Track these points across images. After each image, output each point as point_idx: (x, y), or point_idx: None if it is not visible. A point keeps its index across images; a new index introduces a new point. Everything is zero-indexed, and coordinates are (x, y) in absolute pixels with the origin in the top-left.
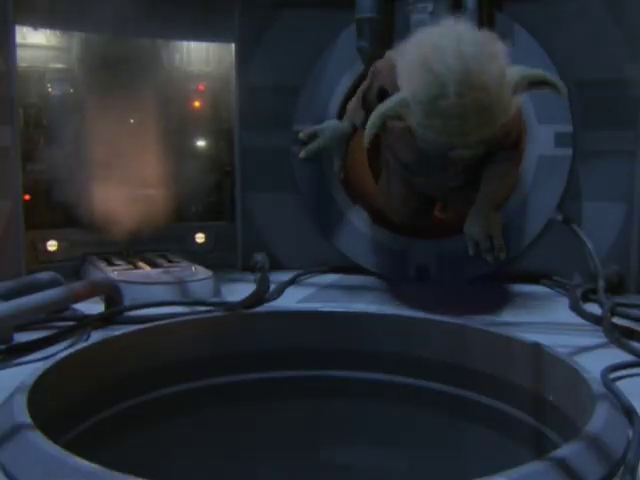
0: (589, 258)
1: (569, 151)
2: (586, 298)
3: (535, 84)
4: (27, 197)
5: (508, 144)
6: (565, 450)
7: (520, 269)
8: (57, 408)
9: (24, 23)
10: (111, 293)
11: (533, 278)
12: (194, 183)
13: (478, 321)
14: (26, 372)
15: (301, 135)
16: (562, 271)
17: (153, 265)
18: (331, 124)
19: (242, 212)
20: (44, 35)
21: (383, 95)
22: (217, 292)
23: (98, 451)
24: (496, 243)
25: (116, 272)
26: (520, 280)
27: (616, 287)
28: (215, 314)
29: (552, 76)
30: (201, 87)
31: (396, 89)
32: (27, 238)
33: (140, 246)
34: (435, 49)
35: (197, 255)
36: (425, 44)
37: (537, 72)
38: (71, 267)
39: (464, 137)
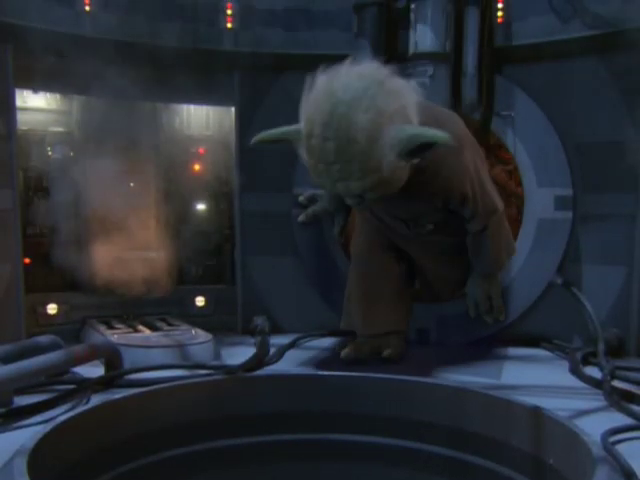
0: (589, 321)
1: (569, 214)
2: (586, 361)
3: (426, 144)
4: (27, 260)
5: (454, 205)
6: None
7: (520, 332)
8: (57, 471)
9: (24, 86)
10: (111, 356)
11: (533, 341)
12: (194, 246)
13: (478, 384)
14: (26, 435)
15: (301, 199)
16: (562, 334)
17: (153, 328)
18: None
19: (242, 275)
20: (44, 98)
21: None
22: (217, 355)
23: None
24: (495, 304)
25: (116, 335)
26: (520, 343)
27: (616, 350)
28: (215, 377)
29: (438, 132)
30: (201, 150)
31: None
32: (27, 301)
33: (140, 309)
34: (318, 89)
35: (197, 318)
36: (322, 83)
37: (426, 133)
38: (71, 330)
39: (336, 182)
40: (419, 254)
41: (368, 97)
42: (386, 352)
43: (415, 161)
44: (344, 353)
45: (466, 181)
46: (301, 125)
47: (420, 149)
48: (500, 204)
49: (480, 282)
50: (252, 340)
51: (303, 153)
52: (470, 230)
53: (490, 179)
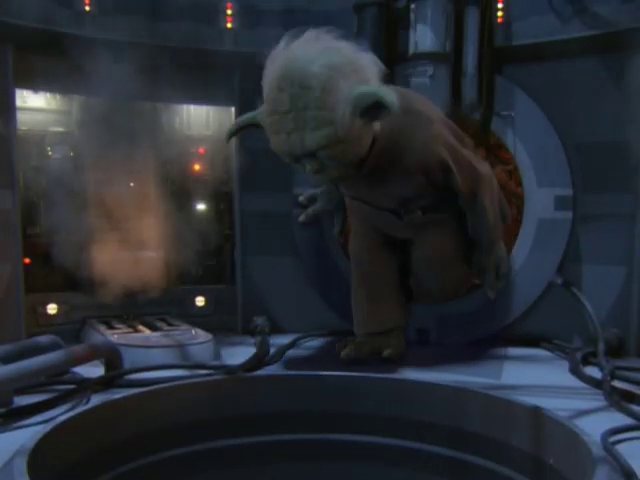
0: (589, 321)
1: (569, 214)
2: (586, 361)
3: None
4: (27, 261)
5: (437, 178)
6: None
7: (520, 332)
8: (57, 471)
9: (24, 86)
10: (111, 356)
11: (533, 341)
12: (194, 246)
13: (478, 384)
14: (26, 435)
15: (301, 199)
16: (562, 334)
17: (153, 328)
18: (330, 188)
19: (242, 275)
20: (44, 98)
21: None
22: (217, 355)
23: None
24: (501, 272)
25: (116, 335)
26: (520, 343)
27: (616, 350)
28: (215, 377)
29: (387, 94)
30: (201, 150)
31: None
32: (27, 301)
33: (140, 309)
34: (278, 54)
35: (197, 318)
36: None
37: (378, 92)
38: (71, 330)
39: (291, 135)
40: (417, 249)
41: (325, 55)
42: (386, 352)
43: (376, 128)
44: (344, 353)
45: (441, 148)
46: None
47: (374, 112)
48: (485, 170)
49: (486, 254)
50: (252, 340)
51: (266, 125)
52: (463, 205)
53: (471, 153)
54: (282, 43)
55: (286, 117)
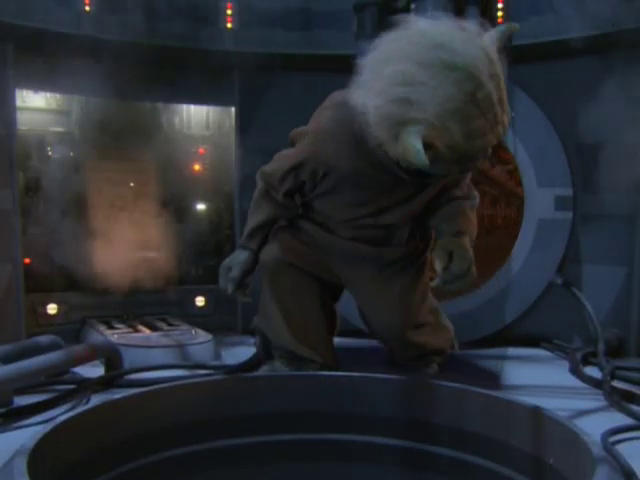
0: (589, 321)
1: (569, 214)
2: (586, 361)
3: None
4: (27, 260)
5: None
6: None
7: (520, 332)
8: (57, 472)
9: (24, 86)
10: (111, 356)
11: (533, 341)
12: (194, 246)
13: (478, 384)
14: (26, 435)
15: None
16: (562, 334)
17: (153, 328)
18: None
19: None
20: (44, 98)
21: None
22: (217, 355)
23: None
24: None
25: (116, 335)
26: (520, 343)
27: (616, 350)
28: (215, 377)
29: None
30: (201, 150)
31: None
32: (27, 301)
33: (140, 309)
34: (433, 43)
35: (197, 318)
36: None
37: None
38: (71, 330)
39: (495, 128)
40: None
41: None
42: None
43: None
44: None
45: None
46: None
47: None
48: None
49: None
50: (252, 340)
51: (446, 135)
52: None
53: None
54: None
55: (494, 110)
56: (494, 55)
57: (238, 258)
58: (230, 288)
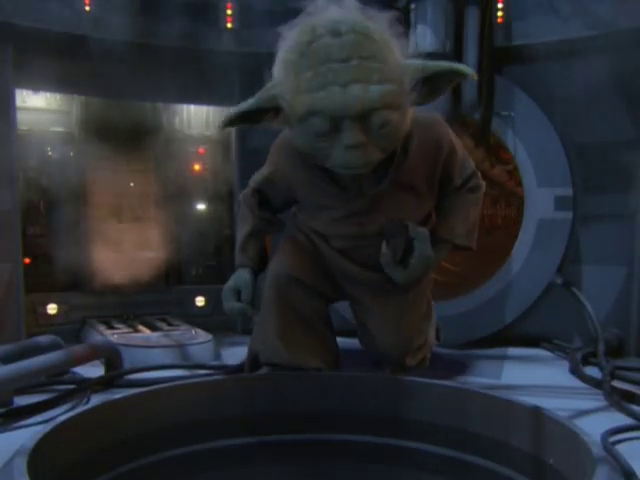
0: (589, 321)
1: (569, 214)
2: (586, 361)
3: (441, 77)
4: (27, 260)
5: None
6: None
7: (520, 332)
8: (57, 472)
9: (24, 86)
10: (111, 356)
11: (533, 341)
12: (194, 246)
13: (478, 384)
14: (26, 435)
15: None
16: (562, 334)
17: (153, 328)
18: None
19: None
20: (44, 98)
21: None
22: (217, 355)
23: None
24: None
25: (116, 335)
26: (520, 343)
27: (616, 350)
28: (215, 377)
29: (455, 64)
30: (201, 150)
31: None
32: (27, 301)
33: (140, 309)
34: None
35: (197, 318)
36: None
37: (441, 63)
38: (71, 330)
39: (350, 85)
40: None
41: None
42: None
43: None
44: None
45: (449, 131)
46: (276, 80)
47: (436, 84)
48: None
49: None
50: None
51: (303, 81)
52: (462, 188)
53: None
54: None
55: (344, 66)
56: (373, 28)
57: (243, 279)
58: (249, 311)
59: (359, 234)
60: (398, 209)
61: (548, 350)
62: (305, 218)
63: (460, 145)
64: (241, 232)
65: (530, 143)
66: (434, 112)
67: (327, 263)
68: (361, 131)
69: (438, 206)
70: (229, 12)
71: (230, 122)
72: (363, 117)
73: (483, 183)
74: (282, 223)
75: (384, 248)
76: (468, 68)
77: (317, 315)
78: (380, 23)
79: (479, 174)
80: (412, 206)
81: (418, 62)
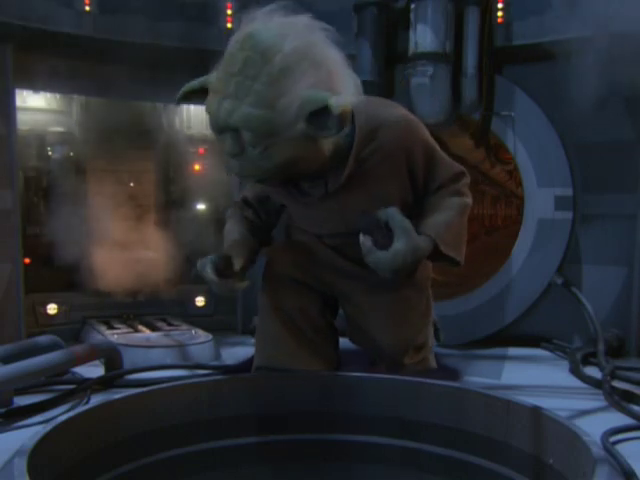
0: (589, 321)
1: (569, 214)
2: (586, 361)
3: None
4: (27, 260)
5: (418, 167)
6: None
7: (520, 332)
8: (57, 472)
9: (24, 86)
10: (111, 356)
11: (533, 341)
12: (194, 246)
13: (478, 384)
14: (26, 435)
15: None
16: (562, 334)
17: (153, 328)
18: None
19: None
20: (44, 98)
21: None
22: (217, 355)
23: None
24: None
25: (116, 335)
26: (520, 343)
27: (616, 350)
28: (215, 377)
29: (336, 101)
30: (201, 150)
31: None
32: (27, 301)
33: (140, 309)
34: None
35: (197, 318)
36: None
37: (320, 97)
38: (71, 330)
39: (226, 100)
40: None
41: (301, 40)
42: None
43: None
44: None
45: (423, 129)
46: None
47: (320, 121)
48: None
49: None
50: (252, 340)
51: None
52: (441, 192)
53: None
54: (264, 11)
55: (230, 80)
56: (283, 50)
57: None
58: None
59: (343, 231)
60: (369, 204)
61: (548, 350)
62: (293, 219)
63: (437, 147)
64: (227, 239)
65: (530, 143)
66: (434, 112)
67: (321, 259)
68: (237, 141)
69: (418, 210)
70: (229, 12)
71: (183, 98)
72: (234, 129)
73: (470, 198)
74: (273, 225)
75: (362, 237)
76: (338, 102)
77: (316, 315)
78: (317, 46)
79: (467, 182)
80: (383, 199)
81: (310, 96)
